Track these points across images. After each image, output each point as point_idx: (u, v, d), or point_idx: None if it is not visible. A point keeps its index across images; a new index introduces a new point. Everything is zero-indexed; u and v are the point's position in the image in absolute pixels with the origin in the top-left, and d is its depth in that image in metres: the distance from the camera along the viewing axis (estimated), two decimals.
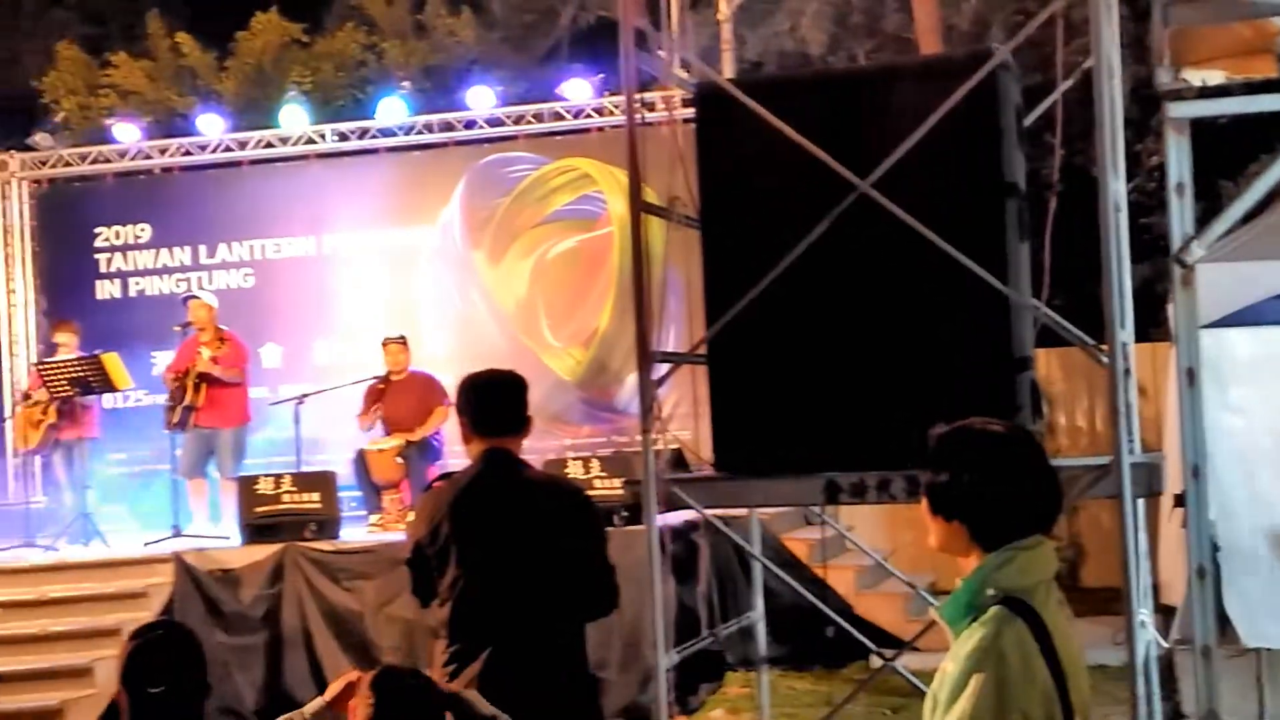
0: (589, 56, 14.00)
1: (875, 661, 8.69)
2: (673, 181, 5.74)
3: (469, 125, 13.45)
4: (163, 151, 14.07)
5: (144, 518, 12.24)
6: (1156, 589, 7.03)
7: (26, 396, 11.69)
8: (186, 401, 10.91)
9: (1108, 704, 5.90)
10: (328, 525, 9.93)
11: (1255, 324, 6.90)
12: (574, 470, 9.42)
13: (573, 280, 13.09)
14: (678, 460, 8.17)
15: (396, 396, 10.92)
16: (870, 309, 5.17)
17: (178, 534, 10.65)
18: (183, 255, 13.80)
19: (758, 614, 6.97)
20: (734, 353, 5.34)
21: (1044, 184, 5.79)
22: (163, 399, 11.45)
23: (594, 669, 4.67)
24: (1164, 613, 7.96)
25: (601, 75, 13.01)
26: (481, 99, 13.43)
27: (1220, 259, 5.96)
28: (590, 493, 6.37)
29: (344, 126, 13.87)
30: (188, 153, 14.03)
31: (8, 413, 13.31)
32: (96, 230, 13.98)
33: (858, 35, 17.48)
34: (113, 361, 11.16)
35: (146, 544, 10.53)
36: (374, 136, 13.67)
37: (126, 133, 14.10)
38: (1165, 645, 6.42)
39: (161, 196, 14.03)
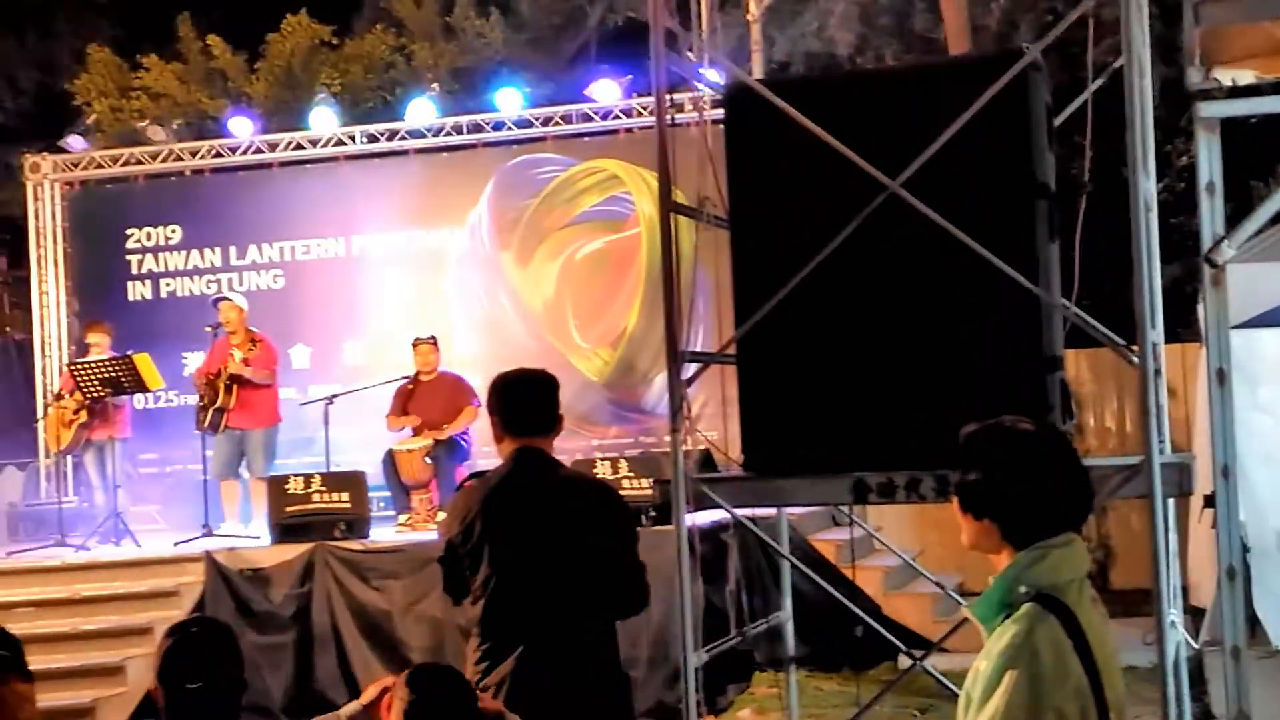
0: (617, 58, 14.03)
1: (903, 662, 8.68)
2: (702, 182, 5.75)
3: (497, 127, 13.49)
4: (193, 153, 14.15)
5: (174, 517, 12.32)
6: (1186, 590, 7.01)
7: (59, 397, 11.77)
8: (218, 403, 10.98)
9: (1137, 705, 5.87)
10: (357, 525, 9.98)
11: None
12: (602, 470, 9.44)
13: (600, 281, 13.11)
14: (706, 460, 8.19)
15: (426, 397, 10.96)
16: (900, 309, 5.17)
17: (208, 533, 10.71)
18: (213, 257, 13.88)
19: (786, 614, 6.97)
20: (763, 352, 5.34)
21: (1074, 184, 5.78)
22: (193, 400, 11.51)
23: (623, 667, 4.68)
24: (1193, 614, 7.95)
25: (630, 76, 13.03)
26: (510, 100, 13.47)
27: (1251, 259, 5.95)
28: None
29: (373, 128, 13.93)
30: (218, 155, 14.11)
31: (40, 413, 13.44)
32: (128, 232, 14.07)
33: (885, 36, 17.46)
34: (144, 362, 11.22)
35: (177, 543, 10.60)
36: (403, 138, 13.72)
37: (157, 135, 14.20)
38: (1195, 646, 6.40)
39: (192, 198, 14.11)
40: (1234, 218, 5.31)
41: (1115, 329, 5.22)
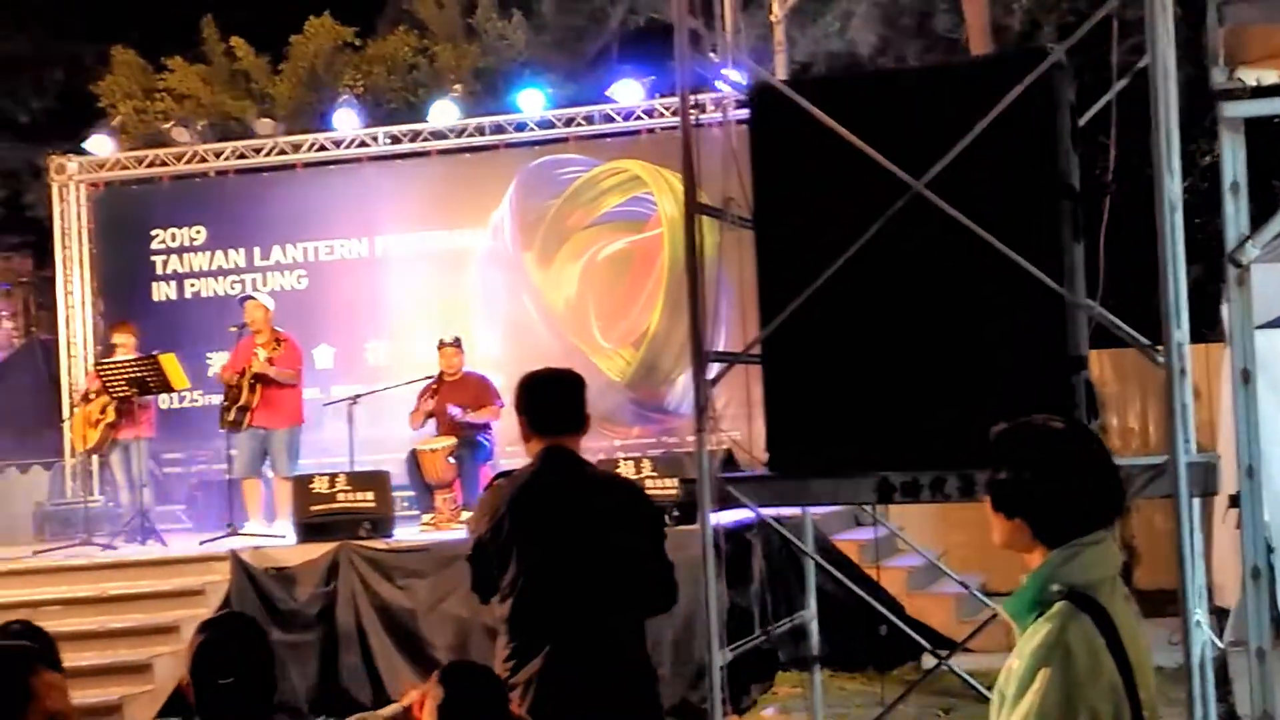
0: (639, 58, 14.05)
1: (927, 662, 8.68)
2: (726, 182, 5.76)
3: (520, 128, 13.54)
4: (218, 154, 14.23)
5: (199, 517, 12.39)
6: (1210, 590, 6.99)
7: (86, 397, 11.84)
8: (242, 402, 11.02)
9: (1162, 705, 5.82)
10: (381, 524, 10.03)
11: None
12: (625, 470, 9.44)
13: (623, 282, 13.14)
14: (728, 460, 8.21)
15: (450, 396, 11.00)
16: (924, 309, 5.16)
17: (234, 532, 10.76)
18: (237, 257, 13.96)
19: (810, 613, 6.98)
20: (788, 352, 5.35)
21: (1098, 184, 5.77)
22: (218, 399, 11.57)
23: None
24: (1218, 614, 7.92)
25: (652, 77, 13.05)
26: (532, 101, 13.52)
27: (1275, 259, 5.94)
28: None
29: (396, 129, 13.99)
30: (242, 156, 14.18)
31: (66, 414, 13.52)
32: (153, 232, 14.17)
33: (907, 36, 17.45)
34: (170, 362, 11.28)
35: (203, 542, 10.65)
36: (426, 139, 13.78)
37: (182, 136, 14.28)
38: (1220, 647, 6.38)
39: (216, 199, 14.20)
40: (1258, 218, 5.31)
41: (1140, 329, 5.20)
